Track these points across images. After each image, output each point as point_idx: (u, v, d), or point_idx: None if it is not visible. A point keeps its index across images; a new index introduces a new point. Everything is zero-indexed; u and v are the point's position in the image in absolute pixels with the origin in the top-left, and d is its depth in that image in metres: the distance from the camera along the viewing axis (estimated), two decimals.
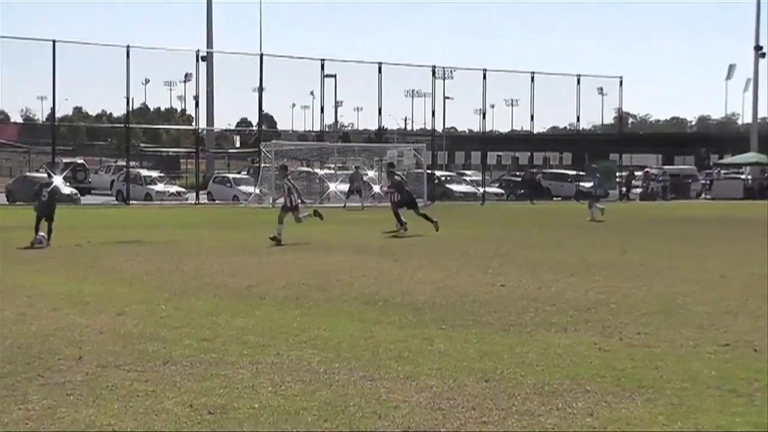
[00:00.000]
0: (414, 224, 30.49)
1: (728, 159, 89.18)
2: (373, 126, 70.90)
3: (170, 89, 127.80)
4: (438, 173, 66.81)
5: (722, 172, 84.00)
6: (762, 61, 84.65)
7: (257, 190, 56.92)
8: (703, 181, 79.71)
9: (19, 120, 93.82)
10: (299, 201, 32.02)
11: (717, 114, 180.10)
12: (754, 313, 14.54)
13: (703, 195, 75.65)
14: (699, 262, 22.39)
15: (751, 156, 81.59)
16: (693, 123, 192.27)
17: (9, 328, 12.75)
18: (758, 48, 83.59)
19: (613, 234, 32.42)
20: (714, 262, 22.36)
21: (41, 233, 26.41)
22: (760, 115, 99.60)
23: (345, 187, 57.82)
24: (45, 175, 54.64)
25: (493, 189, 68.14)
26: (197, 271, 19.73)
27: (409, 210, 32.03)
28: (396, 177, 33.36)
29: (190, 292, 16.46)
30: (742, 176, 79.69)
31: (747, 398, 9.23)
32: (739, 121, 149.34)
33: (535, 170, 74.14)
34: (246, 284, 17.55)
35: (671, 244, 27.93)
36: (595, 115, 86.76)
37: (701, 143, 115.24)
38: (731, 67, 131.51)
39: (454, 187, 65.76)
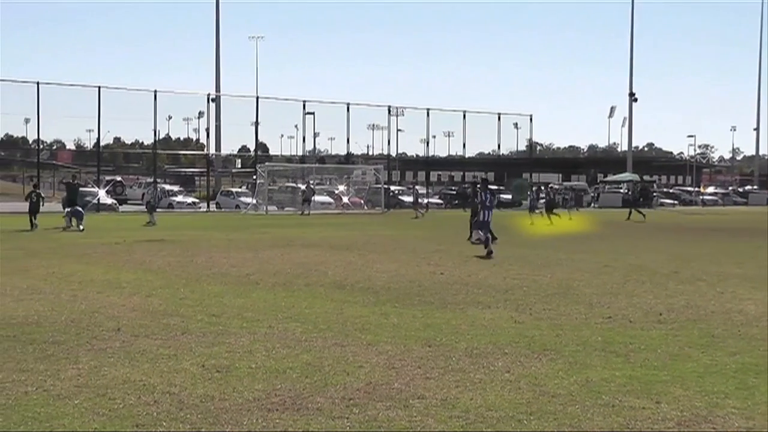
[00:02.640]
0: (375, 227, 30.43)
1: (610, 177, 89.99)
2: (343, 151, 70.68)
3: (187, 123, 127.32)
4: (392, 188, 66.73)
5: (606, 187, 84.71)
6: (634, 104, 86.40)
7: (254, 201, 56.72)
8: (592, 194, 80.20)
9: (73, 147, 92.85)
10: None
11: (602, 143, 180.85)
12: (630, 293, 14.66)
13: (592, 204, 76.08)
14: (589, 255, 22.53)
15: (627, 175, 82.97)
16: (585, 150, 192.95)
17: (64, 306, 12.66)
18: (632, 95, 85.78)
19: (525, 234, 32.51)
20: (600, 255, 22.50)
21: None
22: (633, 144, 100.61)
23: (323, 198, 57.72)
24: (94, 188, 54.41)
25: (434, 200, 68.06)
26: (208, 262, 19.64)
27: None
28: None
29: (202, 279, 16.38)
30: (621, 190, 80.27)
31: (624, 357, 9.31)
32: (618, 149, 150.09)
33: (466, 185, 74.20)
34: (245, 273, 17.48)
35: (568, 242, 28.07)
36: (511, 143, 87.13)
37: (591, 165, 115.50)
38: (612, 108, 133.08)
39: (404, 198, 65.64)
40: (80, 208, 33.61)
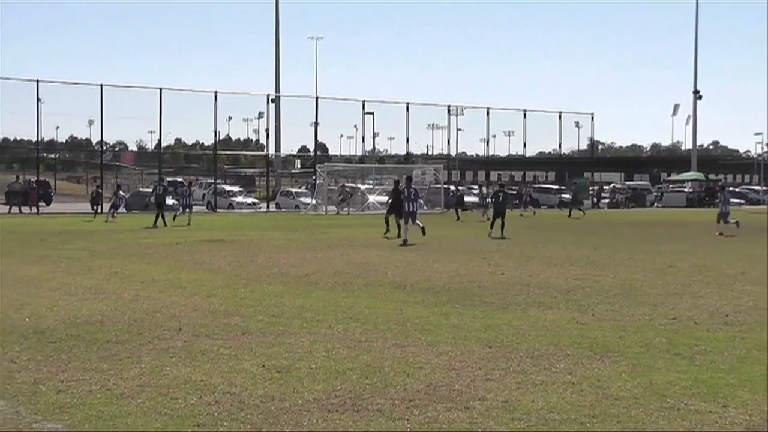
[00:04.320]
0: (434, 226, 30.24)
1: (674, 176, 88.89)
2: (402, 151, 70.76)
3: (247, 124, 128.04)
4: (452, 187, 66.47)
5: (670, 186, 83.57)
6: (699, 102, 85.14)
7: (314, 201, 56.98)
8: (655, 193, 79.26)
9: (135, 148, 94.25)
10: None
11: (666, 141, 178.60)
12: (694, 294, 14.44)
13: (655, 204, 75.17)
14: (652, 255, 22.24)
15: (691, 174, 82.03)
16: (647, 148, 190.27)
17: (127, 306, 12.84)
18: (696, 92, 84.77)
19: (587, 234, 32.26)
20: (664, 255, 22.21)
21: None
22: (698, 143, 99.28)
23: (382, 198, 57.71)
24: (151, 190, 55.37)
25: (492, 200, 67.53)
26: (267, 263, 19.77)
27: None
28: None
29: (262, 279, 16.50)
30: (685, 189, 79.17)
31: (689, 359, 9.17)
32: (683, 147, 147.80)
33: (527, 185, 73.79)
34: (305, 273, 17.57)
35: (631, 242, 27.77)
36: (572, 142, 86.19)
37: (654, 164, 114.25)
38: (676, 107, 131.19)
39: (465, 198, 65.27)
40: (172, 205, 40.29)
